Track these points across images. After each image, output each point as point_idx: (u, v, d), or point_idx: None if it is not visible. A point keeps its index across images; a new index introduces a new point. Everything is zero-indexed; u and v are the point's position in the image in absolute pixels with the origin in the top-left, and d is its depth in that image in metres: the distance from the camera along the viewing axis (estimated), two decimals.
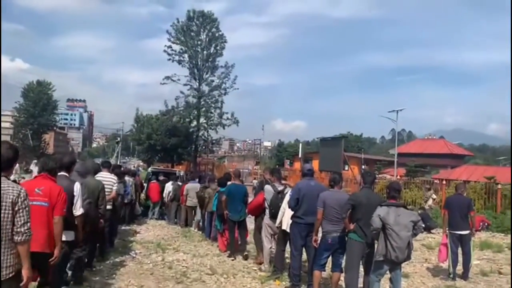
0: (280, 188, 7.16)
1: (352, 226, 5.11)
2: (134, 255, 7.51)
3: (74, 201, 4.48)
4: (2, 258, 2.78)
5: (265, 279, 6.37)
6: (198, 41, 36.76)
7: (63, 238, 4.15)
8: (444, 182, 19.86)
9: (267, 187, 7.31)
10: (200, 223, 11.70)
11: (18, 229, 2.84)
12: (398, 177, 23.00)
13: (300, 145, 34.94)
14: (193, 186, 12.31)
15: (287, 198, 6.62)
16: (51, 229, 3.79)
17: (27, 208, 2.92)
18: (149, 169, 18.58)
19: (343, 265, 5.54)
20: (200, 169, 37.75)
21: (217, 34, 37.27)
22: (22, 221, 2.86)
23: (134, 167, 21.71)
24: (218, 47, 37.24)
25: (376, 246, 5.06)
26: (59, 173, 4.56)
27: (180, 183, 14.17)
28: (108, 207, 5.39)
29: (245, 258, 7.91)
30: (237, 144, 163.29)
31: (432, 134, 78.51)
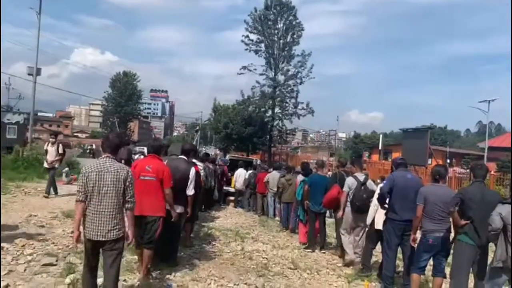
0: (362, 178, 6.70)
1: (463, 222, 4.40)
2: (214, 243, 7.40)
3: (189, 183, 5.26)
4: (116, 221, 3.58)
5: (352, 278, 5.89)
6: (275, 30, 36.41)
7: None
8: None
9: (349, 179, 6.84)
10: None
11: (128, 199, 3.68)
12: (493, 173, 20.90)
13: (381, 136, 33.15)
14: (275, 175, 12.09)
15: (377, 194, 6.08)
16: (158, 198, 4.70)
17: (133, 184, 3.75)
18: (227, 157, 18.75)
19: (446, 270, 4.88)
20: (274, 159, 37.72)
21: (294, 23, 36.63)
22: (131, 194, 3.69)
23: (212, 154, 22.28)
24: (295, 36, 36.57)
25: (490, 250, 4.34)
26: (179, 156, 5.58)
27: (255, 171, 14.10)
28: (192, 192, 5.48)
29: (322, 249, 7.74)
30: (311, 135, 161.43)
31: None
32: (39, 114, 77.94)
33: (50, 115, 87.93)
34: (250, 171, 14.07)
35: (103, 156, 3.71)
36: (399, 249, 5.39)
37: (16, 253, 5.18)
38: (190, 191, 5.32)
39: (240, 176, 14.02)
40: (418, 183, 5.34)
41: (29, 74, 21.01)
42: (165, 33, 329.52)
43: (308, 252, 7.48)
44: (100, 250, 3.63)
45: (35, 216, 7.66)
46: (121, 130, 61.58)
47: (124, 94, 63.91)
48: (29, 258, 5.02)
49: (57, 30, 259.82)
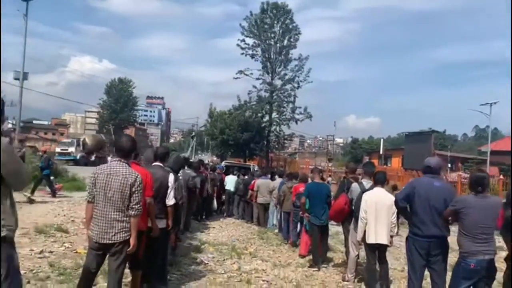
0: (368, 185, 5.93)
1: None
2: (207, 262, 6.50)
3: (168, 191, 4.64)
4: (123, 225, 3.45)
5: None
6: (272, 33, 35.68)
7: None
8: None
9: (354, 185, 6.18)
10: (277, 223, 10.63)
11: (133, 206, 3.50)
12: (501, 177, 20.20)
13: (381, 140, 32.43)
14: (264, 182, 11.28)
15: (364, 203, 5.38)
16: (143, 211, 3.89)
17: (141, 191, 3.57)
18: (223, 163, 17.88)
19: None
20: (271, 165, 36.82)
21: (290, 26, 35.94)
22: (137, 200, 3.51)
23: (209, 161, 21.40)
24: (291, 39, 35.86)
25: None
26: (153, 163, 4.85)
27: (244, 177, 13.39)
28: (172, 202, 4.75)
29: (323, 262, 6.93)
30: (308, 141, 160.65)
31: None
32: (34, 122, 76.97)
33: (46, 122, 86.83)
34: (241, 177, 13.38)
35: (115, 159, 3.65)
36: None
37: None
38: (170, 200, 4.67)
39: (230, 182, 13.23)
40: (448, 193, 4.46)
41: (15, 79, 20.17)
42: (162, 40, 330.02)
43: (314, 271, 6.58)
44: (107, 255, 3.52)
45: None
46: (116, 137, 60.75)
47: (119, 101, 63.20)
48: None
49: (55, 39, 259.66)
